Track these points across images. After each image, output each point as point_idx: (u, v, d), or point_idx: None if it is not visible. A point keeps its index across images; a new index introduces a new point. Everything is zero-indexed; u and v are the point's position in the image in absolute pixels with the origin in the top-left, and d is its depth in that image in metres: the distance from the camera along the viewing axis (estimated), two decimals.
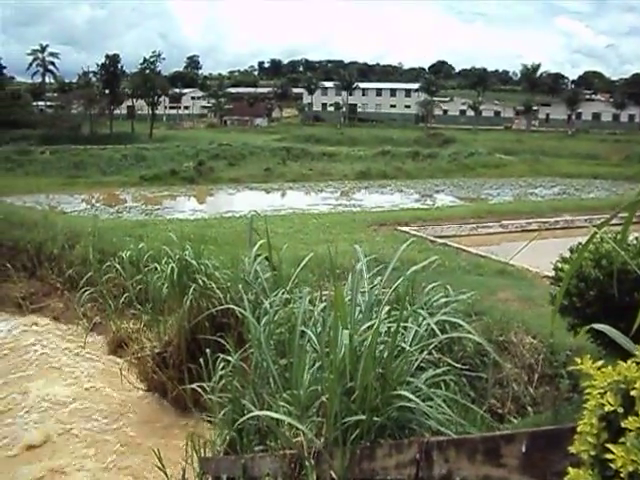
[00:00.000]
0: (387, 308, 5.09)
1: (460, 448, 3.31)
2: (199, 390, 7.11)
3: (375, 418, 4.44)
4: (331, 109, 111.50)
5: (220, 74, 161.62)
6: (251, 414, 5.33)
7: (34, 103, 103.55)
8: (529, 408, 6.88)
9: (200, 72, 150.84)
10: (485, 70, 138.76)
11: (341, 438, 4.44)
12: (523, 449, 2.81)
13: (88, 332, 12.10)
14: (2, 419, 10.14)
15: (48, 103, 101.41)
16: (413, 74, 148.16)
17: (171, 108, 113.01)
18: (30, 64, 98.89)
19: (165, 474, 6.26)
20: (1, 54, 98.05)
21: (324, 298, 6.02)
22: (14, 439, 9.43)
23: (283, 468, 4.92)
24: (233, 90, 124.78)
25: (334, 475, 4.47)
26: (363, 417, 4.37)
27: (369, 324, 4.84)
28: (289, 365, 5.44)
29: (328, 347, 4.86)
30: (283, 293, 6.26)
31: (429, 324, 5.11)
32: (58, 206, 34.40)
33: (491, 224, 21.43)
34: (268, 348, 5.69)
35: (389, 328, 4.91)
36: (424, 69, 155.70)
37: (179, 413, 9.77)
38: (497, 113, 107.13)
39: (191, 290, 9.64)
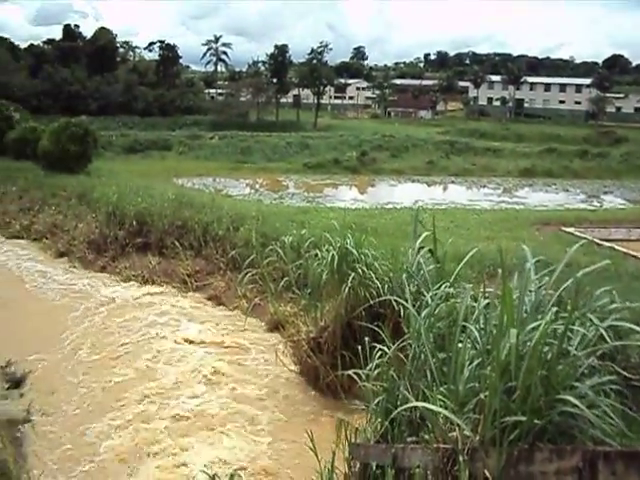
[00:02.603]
0: (553, 310, 4.93)
1: (631, 462, 3.15)
2: (351, 377, 7.17)
3: (536, 421, 4.31)
4: (497, 103, 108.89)
5: (386, 65, 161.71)
6: (409, 404, 5.33)
7: (206, 91, 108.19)
8: None
9: (366, 63, 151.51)
10: None
11: (498, 437, 4.35)
12: None
13: (248, 312, 12.47)
14: (178, 387, 10.77)
15: (219, 91, 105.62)
16: (585, 69, 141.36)
17: (336, 98, 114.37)
18: (204, 54, 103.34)
19: (316, 455, 6.36)
20: (179, 45, 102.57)
21: (487, 295, 5.90)
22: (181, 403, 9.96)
23: (435, 461, 4.88)
24: (398, 82, 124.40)
25: (488, 474, 4.40)
26: (523, 418, 4.26)
27: (534, 324, 4.71)
28: (447, 359, 5.38)
29: (491, 344, 4.77)
30: (446, 287, 6.20)
31: (597, 329, 4.90)
32: (224, 189, 35.69)
33: None
34: (428, 341, 5.66)
35: (555, 330, 4.75)
36: (597, 63, 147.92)
37: (329, 398, 9.90)
38: None
39: (350, 278, 9.72)
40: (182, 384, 10.85)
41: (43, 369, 11.41)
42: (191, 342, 12.68)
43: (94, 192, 22.24)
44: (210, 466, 7.85)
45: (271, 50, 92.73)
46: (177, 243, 17.01)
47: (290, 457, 8.59)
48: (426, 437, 5.24)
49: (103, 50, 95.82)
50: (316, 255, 10.79)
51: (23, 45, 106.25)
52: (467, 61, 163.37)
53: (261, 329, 13.03)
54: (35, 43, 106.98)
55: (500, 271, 6.03)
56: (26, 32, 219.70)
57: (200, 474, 7.17)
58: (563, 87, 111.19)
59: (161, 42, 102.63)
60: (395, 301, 7.97)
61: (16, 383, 10.80)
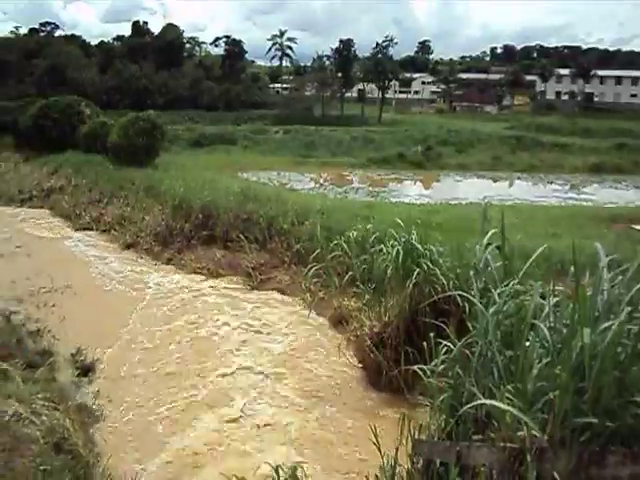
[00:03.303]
0: (627, 309, 4.80)
1: None
2: (414, 373, 7.13)
3: (608, 423, 4.21)
4: (565, 98, 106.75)
5: (451, 59, 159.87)
6: (476, 402, 5.26)
7: (271, 85, 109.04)
8: None
9: (431, 57, 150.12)
10: None
11: (568, 438, 4.27)
12: None
13: (312, 306, 12.52)
14: (241, 378, 10.91)
15: (284, 85, 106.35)
16: None
17: (401, 92, 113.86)
18: (269, 49, 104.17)
19: (379, 450, 6.35)
20: (244, 40, 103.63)
21: (556, 293, 5.79)
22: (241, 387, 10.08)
23: (501, 461, 4.82)
24: (464, 76, 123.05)
25: (556, 476, 4.31)
26: (594, 420, 4.16)
27: (607, 324, 4.60)
28: (515, 357, 5.31)
29: (561, 343, 4.68)
30: (514, 284, 6.11)
31: None
32: (289, 183, 35.85)
33: None
34: (495, 338, 5.59)
35: (629, 330, 4.64)
36: None
37: (391, 394, 9.87)
38: None
39: (415, 274, 9.69)
40: (243, 375, 10.96)
41: (110, 357, 11.68)
42: (255, 333, 12.80)
43: (161, 185, 22.62)
44: (272, 458, 7.94)
45: (336, 44, 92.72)
46: (242, 236, 17.16)
47: (351, 451, 8.60)
48: (492, 435, 5.18)
49: (170, 46, 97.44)
50: (381, 250, 10.77)
51: (94, 42, 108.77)
52: (534, 54, 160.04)
53: (324, 323, 13.06)
54: (105, 40, 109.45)
55: (571, 269, 5.89)
56: (97, 29, 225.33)
57: (264, 465, 7.25)
58: (635, 80, 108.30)
59: (227, 37, 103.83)
60: (460, 297, 7.90)
61: (85, 370, 11.09)
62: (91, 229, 22.88)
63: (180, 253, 18.35)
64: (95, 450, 8.29)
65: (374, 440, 6.47)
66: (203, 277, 16.63)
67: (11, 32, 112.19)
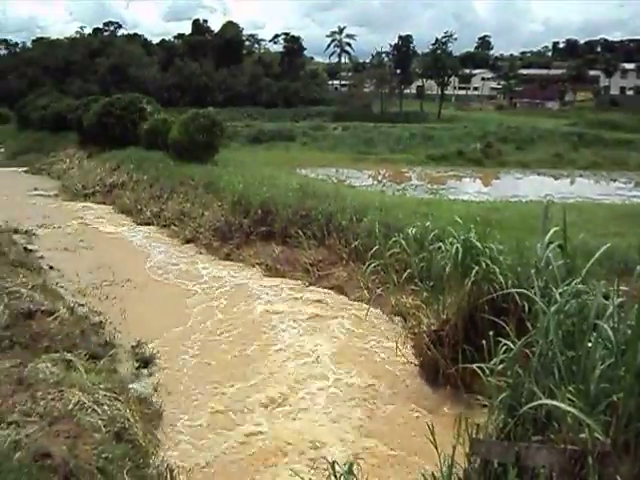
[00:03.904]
0: None
1: None
2: (471, 372, 7.07)
3: None
4: (630, 93, 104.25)
5: (512, 55, 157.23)
6: (537, 402, 5.20)
7: (330, 82, 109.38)
8: None
9: (491, 52, 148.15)
10: None
11: (633, 442, 4.18)
12: None
13: (370, 303, 12.51)
14: (299, 366, 11.01)
15: (342, 82, 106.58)
16: None
17: (460, 89, 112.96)
18: (328, 45, 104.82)
19: (435, 448, 6.31)
20: (303, 37, 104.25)
21: (620, 293, 5.68)
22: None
23: (561, 463, 4.75)
24: (524, 71, 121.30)
25: None
26: None
27: None
28: (577, 357, 5.23)
29: (626, 345, 4.59)
30: (577, 283, 6.01)
31: None
32: (347, 180, 35.88)
33: None
34: (556, 337, 5.51)
35: None
36: None
37: (448, 392, 9.79)
38: None
39: (473, 272, 9.60)
40: (301, 370, 11.01)
41: (169, 349, 11.86)
42: (312, 328, 12.86)
43: (220, 181, 22.84)
44: (327, 453, 7.97)
45: (395, 41, 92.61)
46: (300, 232, 17.21)
47: (408, 449, 8.56)
48: (552, 437, 5.10)
49: (230, 43, 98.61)
50: (439, 248, 10.70)
51: (155, 41, 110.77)
52: (598, 49, 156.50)
53: (382, 320, 13.04)
54: (166, 38, 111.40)
55: (636, 268, 5.77)
56: (158, 28, 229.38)
57: (320, 459, 7.28)
58: None
59: (286, 34, 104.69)
60: (519, 296, 7.80)
61: (145, 362, 11.30)
62: (151, 224, 23.29)
63: (239, 248, 18.50)
64: (154, 441, 8.43)
65: (430, 438, 6.43)
66: (261, 272, 16.76)
67: (76, 32, 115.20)
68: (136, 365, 11.22)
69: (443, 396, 9.85)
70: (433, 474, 6.19)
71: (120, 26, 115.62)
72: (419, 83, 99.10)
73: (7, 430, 7.21)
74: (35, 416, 7.66)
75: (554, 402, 5.01)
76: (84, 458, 6.71)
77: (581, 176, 44.21)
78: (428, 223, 12.56)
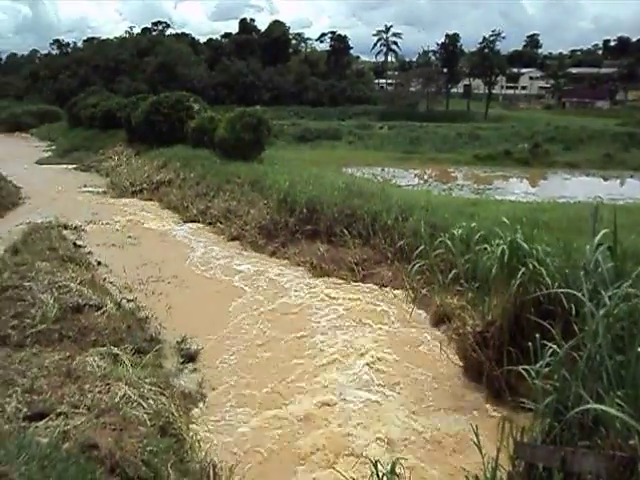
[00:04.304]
0: None
1: None
2: (516, 374, 7.00)
3: None
4: None
5: (561, 53, 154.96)
6: (585, 406, 5.13)
7: (376, 81, 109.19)
8: None
9: (540, 51, 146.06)
10: None
11: None
12: None
13: (415, 303, 12.47)
14: (342, 365, 10.98)
15: (389, 81, 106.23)
16: None
17: (508, 88, 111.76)
18: (374, 44, 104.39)
19: (480, 450, 6.27)
20: (349, 35, 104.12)
21: None
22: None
23: (609, 469, 4.67)
24: (574, 70, 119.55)
25: None
26: None
27: None
28: (626, 362, 5.14)
29: None
30: (627, 286, 5.91)
31: None
32: (393, 179, 35.73)
33: None
34: (605, 341, 5.43)
35: None
36: None
37: (492, 394, 9.69)
38: None
39: (520, 273, 9.49)
40: (344, 367, 11.01)
41: (214, 345, 11.96)
42: (356, 327, 12.85)
43: (266, 179, 22.94)
44: (370, 452, 7.97)
45: (442, 39, 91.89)
46: (346, 231, 17.20)
47: (450, 450, 8.51)
48: (599, 442, 5.03)
49: (276, 42, 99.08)
50: (485, 248, 10.62)
51: (203, 40, 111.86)
52: None
53: (426, 320, 12.97)
54: (213, 37, 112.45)
55: None
56: (206, 27, 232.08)
57: (362, 458, 7.28)
58: None
59: (332, 33, 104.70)
60: (566, 298, 7.70)
61: (189, 358, 11.43)
62: (198, 221, 23.50)
63: (284, 246, 18.57)
64: (197, 436, 8.51)
65: (474, 439, 6.39)
66: (306, 271, 16.79)
67: (125, 32, 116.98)
68: (181, 361, 11.35)
69: (486, 398, 9.77)
70: (476, 476, 6.16)
71: (168, 26, 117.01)
72: (466, 82, 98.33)
73: (56, 421, 7.38)
74: (83, 408, 7.82)
75: (602, 407, 4.94)
76: (129, 450, 6.82)
77: (632, 177, 43.37)
78: (474, 224, 12.47)
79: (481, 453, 6.26)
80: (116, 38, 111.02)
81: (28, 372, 8.98)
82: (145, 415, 7.99)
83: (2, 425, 7.24)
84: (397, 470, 6.20)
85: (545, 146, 50.74)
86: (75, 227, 22.07)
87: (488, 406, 9.54)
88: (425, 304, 13.24)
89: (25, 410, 7.72)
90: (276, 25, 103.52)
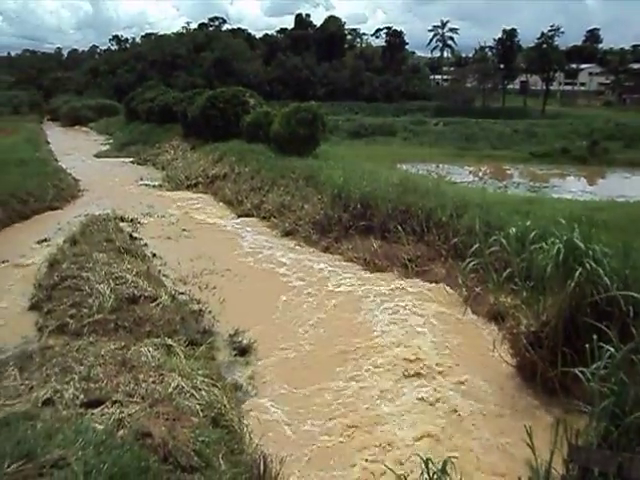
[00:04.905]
0: None
1: None
2: (571, 376, 6.90)
3: None
4: None
5: (622, 48, 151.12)
6: None
7: (431, 77, 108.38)
8: None
9: (600, 46, 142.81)
10: None
11: None
12: None
13: (468, 301, 12.37)
14: (395, 360, 10.94)
15: (444, 77, 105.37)
16: None
17: (566, 84, 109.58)
18: (430, 40, 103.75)
19: (533, 452, 6.19)
20: (405, 31, 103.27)
21: None
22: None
23: None
24: (635, 66, 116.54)
25: None
26: None
27: None
28: None
29: None
30: None
31: None
32: (447, 176, 35.41)
33: None
34: None
35: None
36: None
37: (545, 396, 9.57)
38: None
39: (576, 274, 9.33)
40: (397, 364, 10.99)
41: (266, 339, 12.05)
42: (409, 324, 12.81)
43: (321, 175, 22.93)
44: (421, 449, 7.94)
45: (499, 35, 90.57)
46: (400, 227, 17.14)
47: (502, 450, 8.44)
48: None
49: (332, 38, 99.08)
50: (541, 247, 10.46)
51: (258, 35, 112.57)
52: None
53: (479, 318, 12.86)
54: (269, 33, 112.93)
55: None
56: (261, 23, 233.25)
57: (414, 457, 7.26)
58: None
59: (388, 28, 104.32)
60: (625, 300, 7.56)
61: (242, 351, 11.55)
62: (252, 215, 23.65)
63: (337, 242, 18.58)
64: (248, 428, 8.59)
65: (527, 441, 6.31)
66: (359, 266, 16.78)
67: (182, 27, 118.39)
68: (233, 353, 11.48)
69: (540, 399, 9.65)
70: (529, 478, 6.09)
71: (225, 21, 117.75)
72: (523, 78, 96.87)
73: (111, 409, 7.58)
74: (137, 397, 8.00)
75: None
76: (182, 440, 6.94)
77: None
78: (529, 222, 12.30)
79: (534, 455, 6.18)
80: (173, 34, 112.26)
81: (85, 360, 9.23)
82: (197, 406, 8.12)
83: (60, 411, 7.47)
84: (448, 469, 6.16)
85: (604, 144, 49.65)
86: (131, 219, 22.47)
87: (541, 407, 9.42)
88: (478, 302, 13.13)
89: (82, 397, 7.95)
90: (332, 20, 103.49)
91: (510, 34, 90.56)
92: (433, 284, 15.02)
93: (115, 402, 7.78)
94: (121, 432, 6.89)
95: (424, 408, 9.61)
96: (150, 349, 9.96)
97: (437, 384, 10.33)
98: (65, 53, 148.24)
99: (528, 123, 62.51)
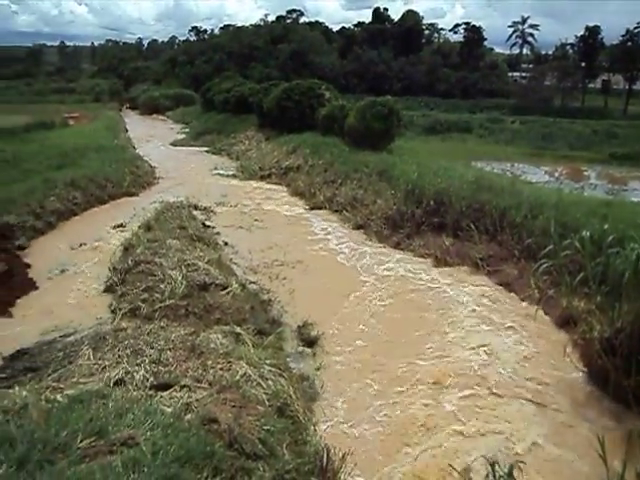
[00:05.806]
0: None
1: None
2: None
3: None
4: None
5: None
6: None
7: (509, 74, 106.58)
8: None
9: None
10: None
11: None
12: None
13: (540, 303, 12.14)
14: (463, 361, 10.87)
15: (522, 74, 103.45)
16: None
17: None
18: (510, 36, 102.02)
19: (605, 463, 6.05)
20: (484, 26, 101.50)
21: None
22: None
23: None
24: None
25: None
26: None
27: None
28: None
29: None
30: None
31: None
32: (522, 175, 34.82)
33: None
34: None
35: None
36: None
37: (618, 405, 9.34)
38: None
39: None
40: (465, 365, 10.89)
41: (335, 333, 12.13)
42: (479, 325, 12.68)
43: (394, 170, 22.82)
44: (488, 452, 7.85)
45: (581, 32, 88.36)
46: (472, 226, 16.95)
47: (572, 459, 8.26)
48: None
49: (409, 32, 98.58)
50: (618, 252, 10.21)
51: (335, 28, 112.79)
52: None
53: (550, 322, 12.61)
54: (346, 26, 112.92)
55: None
56: (339, 16, 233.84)
57: (480, 458, 7.19)
58: None
59: (466, 24, 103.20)
60: None
61: (309, 343, 11.63)
62: (323, 208, 23.70)
63: (409, 238, 18.45)
64: (313, 419, 8.65)
65: (599, 451, 6.16)
66: (430, 263, 16.66)
67: (260, 20, 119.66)
68: (301, 344, 11.57)
69: (611, 408, 9.42)
70: None
71: (302, 14, 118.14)
72: (605, 77, 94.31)
73: (180, 392, 7.75)
74: (205, 383, 8.16)
75: None
76: (247, 427, 7.04)
77: None
78: (606, 225, 12.02)
79: (606, 465, 6.05)
80: (251, 25, 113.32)
81: (155, 344, 9.44)
82: (264, 395, 8.22)
83: (131, 391, 7.67)
84: (514, 473, 6.08)
85: None
86: (204, 208, 22.83)
87: (613, 417, 9.20)
88: (550, 305, 12.86)
89: (152, 379, 8.15)
90: (409, 15, 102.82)
91: (593, 31, 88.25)
92: (503, 285, 14.77)
93: (183, 386, 7.94)
94: (188, 416, 7.03)
95: (490, 411, 9.49)
96: (219, 336, 10.12)
97: (500, 389, 10.16)
98: (145, 43, 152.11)
99: (608, 123, 61.05)
